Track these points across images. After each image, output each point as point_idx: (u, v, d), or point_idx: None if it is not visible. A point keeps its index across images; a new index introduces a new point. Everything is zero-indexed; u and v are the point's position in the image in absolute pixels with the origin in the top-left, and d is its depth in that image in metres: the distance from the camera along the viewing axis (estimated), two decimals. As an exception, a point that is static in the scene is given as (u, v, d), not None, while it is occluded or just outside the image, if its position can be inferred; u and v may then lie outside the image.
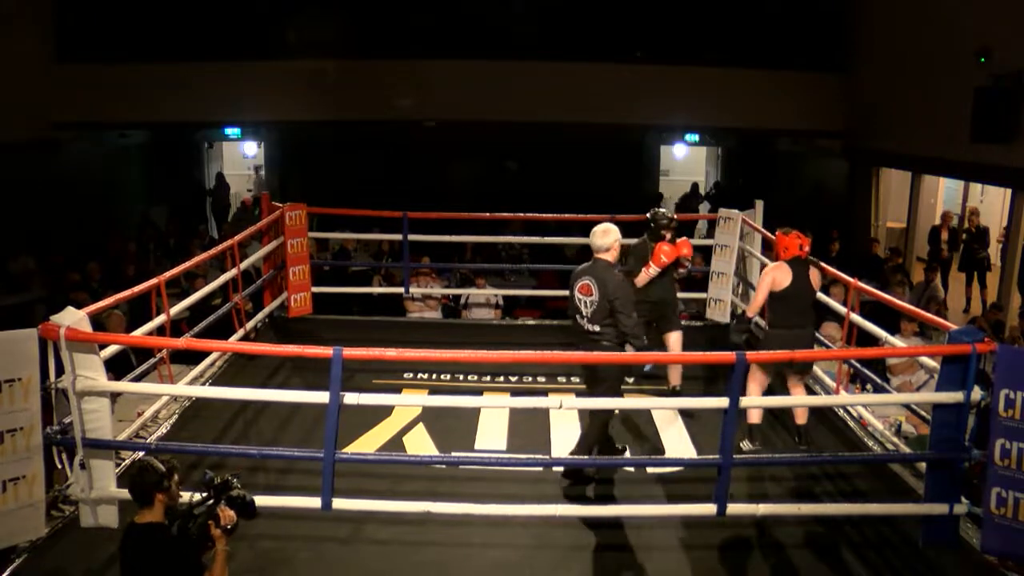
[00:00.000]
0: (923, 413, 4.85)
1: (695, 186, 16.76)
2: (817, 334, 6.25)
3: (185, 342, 5.02)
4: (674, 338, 6.10)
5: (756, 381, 5.30)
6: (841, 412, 5.70)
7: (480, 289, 8.94)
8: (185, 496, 3.23)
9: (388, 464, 4.93)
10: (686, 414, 5.75)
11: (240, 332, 6.51)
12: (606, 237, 4.87)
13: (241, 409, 5.57)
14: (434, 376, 6.52)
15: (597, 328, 4.78)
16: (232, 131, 16.01)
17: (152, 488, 3.13)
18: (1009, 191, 10.81)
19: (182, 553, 3.09)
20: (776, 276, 5.16)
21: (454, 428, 5.49)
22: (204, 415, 5.46)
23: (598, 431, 4.90)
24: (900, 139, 11.63)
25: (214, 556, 3.12)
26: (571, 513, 4.31)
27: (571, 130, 13.72)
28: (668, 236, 5.93)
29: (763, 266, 7.29)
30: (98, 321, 6.58)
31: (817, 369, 6.15)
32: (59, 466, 4.09)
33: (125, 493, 3.39)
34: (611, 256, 4.88)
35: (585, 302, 4.79)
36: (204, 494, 3.16)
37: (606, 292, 4.72)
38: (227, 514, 3.13)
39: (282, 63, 12.60)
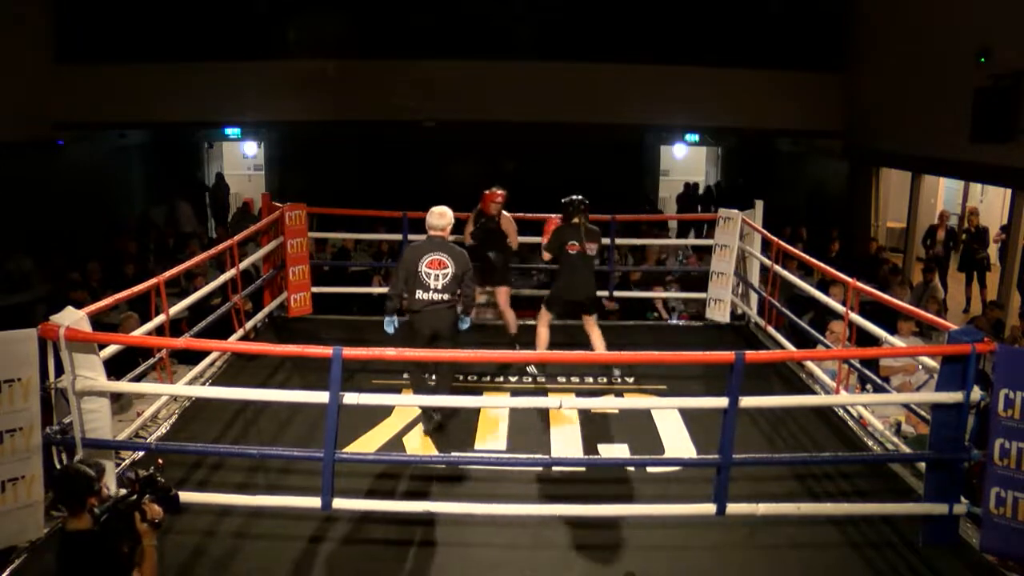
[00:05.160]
0: (923, 413, 4.85)
1: (686, 186, 16.74)
2: (818, 334, 6.27)
3: (185, 342, 5.02)
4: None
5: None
6: (841, 412, 5.71)
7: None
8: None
9: (388, 464, 4.93)
10: (686, 413, 5.74)
11: (240, 332, 6.52)
12: (443, 219, 5.49)
13: (241, 409, 5.56)
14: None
15: (447, 297, 5.36)
16: (232, 131, 16.00)
17: (84, 494, 3.06)
18: (1009, 191, 10.81)
19: (112, 557, 3.03)
20: None
21: (454, 428, 5.49)
22: (204, 415, 5.46)
23: (449, 382, 5.60)
24: (900, 139, 11.61)
25: (142, 553, 3.05)
26: (571, 513, 4.31)
27: (571, 130, 13.71)
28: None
29: (763, 266, 7.31)
30: (114, 324, 6.61)
31: (817, 369, 6.15)
32: (59, 466, 4.08)
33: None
34: (446, 235, 5.53)
35: (437, 276, 5.36)
36: (128, 489, 3.10)
37: (463, 264, 5.40)
38: (153, 509, 3.08)
39: (282, 63, 12.60)
